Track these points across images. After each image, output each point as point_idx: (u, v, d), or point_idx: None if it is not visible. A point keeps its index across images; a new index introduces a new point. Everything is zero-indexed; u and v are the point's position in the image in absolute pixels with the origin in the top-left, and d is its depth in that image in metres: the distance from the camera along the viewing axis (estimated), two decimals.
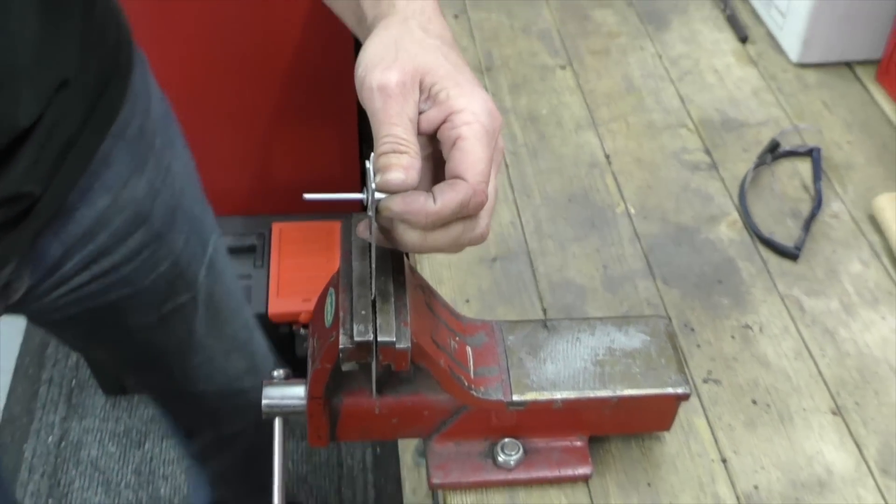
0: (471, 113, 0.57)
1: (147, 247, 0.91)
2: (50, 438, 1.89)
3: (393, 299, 0.61)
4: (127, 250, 0.89)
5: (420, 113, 0.58)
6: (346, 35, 1.72)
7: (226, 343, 1.11)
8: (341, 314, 0.61)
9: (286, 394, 0.70)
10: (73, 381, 1.99)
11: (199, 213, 1.00)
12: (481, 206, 0.56)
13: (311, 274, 1.88)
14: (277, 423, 0.70)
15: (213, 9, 1.67)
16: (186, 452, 1.40)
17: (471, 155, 0.56)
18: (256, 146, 1.95)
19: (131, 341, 1.02)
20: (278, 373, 0.71)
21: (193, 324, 1.04)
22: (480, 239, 0.60)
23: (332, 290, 0.65)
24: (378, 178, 0.56)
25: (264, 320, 1.77)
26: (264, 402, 0.70)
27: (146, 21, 1.67)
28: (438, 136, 0.58)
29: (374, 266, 0.63)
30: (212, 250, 1.03)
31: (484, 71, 1.10)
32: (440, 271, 0.87)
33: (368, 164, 0.57)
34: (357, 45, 1.75)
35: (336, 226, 1.97)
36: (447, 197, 0.55)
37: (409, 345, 0.60)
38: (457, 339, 0.69)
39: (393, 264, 0.64)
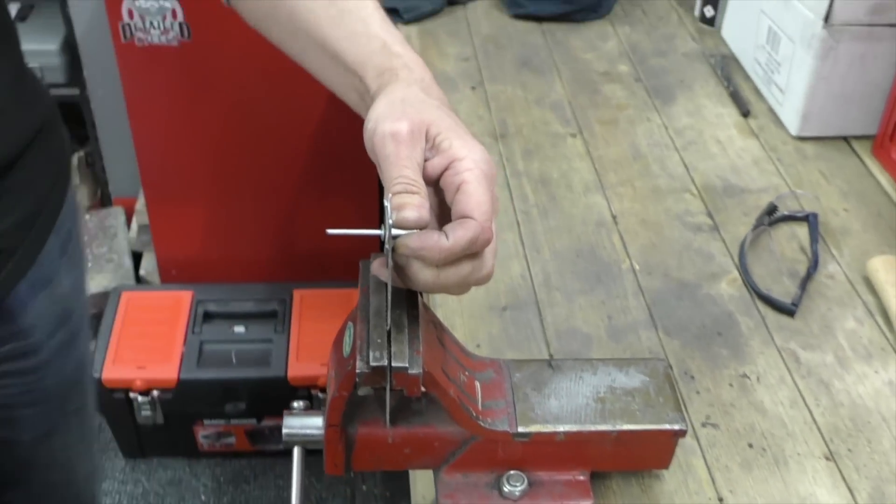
0: (472, 160, 0.63)
1: (66, 346, 0.94)
2: None
3: (407, 330, 0.66)
4: (49, 350, 0.91)
5: (425, 160, 0.64)
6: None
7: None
8: (358, 342, 0.66)
9: (305, 423, 0.74)
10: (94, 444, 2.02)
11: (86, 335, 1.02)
12: (488, 242, 0.61)
13: (331, 339, 1.92)
14: (297, 451, 0.74)
15: (241, 86, 1.75)
16: None
17: (475, 196, 0.61)
18: (280, 217, 2.02)
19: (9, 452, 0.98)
20: (298, 404, 0.75)
21: (70, 440, 1.04)
22: (486, 278, 0.65)
23: (350, 323, 0.70)
24: (394, 216, 0.61)
25: (284, 383, 1.81)
26: (285, 430, 0.74)
27: (178, 95, 1.77)
28: (441, 182, 0.64)
29: (389, 300, 0.68)
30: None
31: (498, 137, 1.17)
32: (452, 318, 0.91)
33: (386, 203, 0.63)
34: None
35: (356, 293, 2.02)
36: (458, 234, 0.61)
37: (421, 371, 0.64)
38: (466, 373, 0.73)
39: (407, 300, 0.69)
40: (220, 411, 1.88)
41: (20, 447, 0.96)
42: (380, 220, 2.04)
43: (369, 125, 0.64)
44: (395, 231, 0.62)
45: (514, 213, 1.05)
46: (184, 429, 1.92)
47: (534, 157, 1.14)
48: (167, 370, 1.81)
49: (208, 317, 1.90)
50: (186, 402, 1.85)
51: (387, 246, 0.63)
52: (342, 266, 2.08)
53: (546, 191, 1.09)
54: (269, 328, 1.92)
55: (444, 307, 0.93)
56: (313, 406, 1.60)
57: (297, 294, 1.99)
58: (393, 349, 0.65)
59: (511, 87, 1.27)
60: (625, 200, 1.07)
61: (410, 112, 0.63)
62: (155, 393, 1.82)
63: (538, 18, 1.42)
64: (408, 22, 1.39)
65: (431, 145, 0.63)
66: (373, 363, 0.64)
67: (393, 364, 0.64)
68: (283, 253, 2.09)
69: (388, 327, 0.66)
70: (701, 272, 0.98)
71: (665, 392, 0.75)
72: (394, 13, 1.38)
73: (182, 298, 1.92)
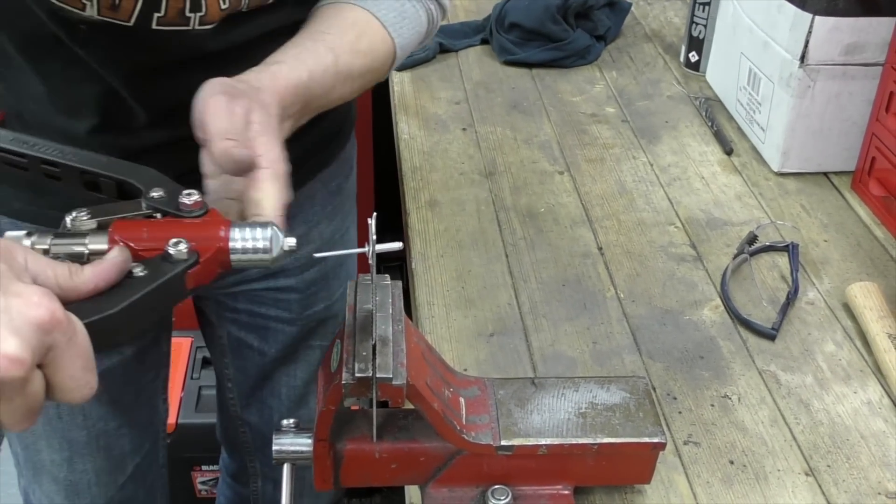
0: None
1: (315, 284, 1.06)
2: None
3: (392, 345, 0.69)
4: (301, 281, 1.05)
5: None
6: (368, 145, 1.85)
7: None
8: (345, 356, 0.68)
9: (296, 441, 0.76)
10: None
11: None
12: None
13: None
14: (286, 469, 0.76)
15: None
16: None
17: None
18: None
19: (253, 355, 1.13)
20: (288, 422, 0.77)
21: (309, 374, 1.14)
22: None
23: (338, 340, 0.73)
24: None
25: None
26: (275, 448, 0.76)
27: None
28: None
29: (375, 317, 0.71)
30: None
31: (487, 175, 1.21)
32: (440, 344, 0.94)
33: (370, 221, 0.66)
34: (378, 159, 1.87)
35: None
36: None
37: (405, 382, 0.67)
38: (451, 389, 0.76)
39: (393, 317, 0.71)
40: (219, 457, 1.88)
41: (266, 359, 1.12)
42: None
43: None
44: (378, 247, 0.66)
45: (502, 246, 1.08)
46: (181, 475, 1.92)
47: (522, 193, 1.17)
48: None
49: (207, 362, 1.92)
50: (184, 447, 1.85)
51: (370, 261, 0.66)
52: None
53: (533, 224, 1.12)
54: None
55: (433, 333, 0.95)
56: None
57: None
58: (378, 361, 0.67)
59: (501, 129, 1.31)
60: (610, 233, 1.11)
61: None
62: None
63: (528, 64, 1.47)
64: (401, 69, 1.44)
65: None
66: (358, 374, 0.66)
67: (378, 375, 0.66)
68: None
69: (373, 341, 0.69)
70: (684, 300, 1.00)
71: (645, 407, 0.77)
72: None
73: (181, 344, 1.94)
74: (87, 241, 0.59)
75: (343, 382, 0.67)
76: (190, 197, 0.62)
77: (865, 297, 0.97)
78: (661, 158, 1.25)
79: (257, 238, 0.61)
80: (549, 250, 1.08)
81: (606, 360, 0.92)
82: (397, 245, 0.67)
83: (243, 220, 0.65)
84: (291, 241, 0.63)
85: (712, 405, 0.87)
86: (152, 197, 0.63)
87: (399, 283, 0.75)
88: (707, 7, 1.41)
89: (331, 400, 0.70)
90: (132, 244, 0.60)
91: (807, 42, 1.12)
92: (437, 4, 0.89)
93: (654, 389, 0.89)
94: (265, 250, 0.62)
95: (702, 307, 0.99)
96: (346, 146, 1.06)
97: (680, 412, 0.87)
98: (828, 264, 1.06)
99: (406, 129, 1.31)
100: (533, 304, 0.99)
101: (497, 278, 1.03)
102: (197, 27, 0.78)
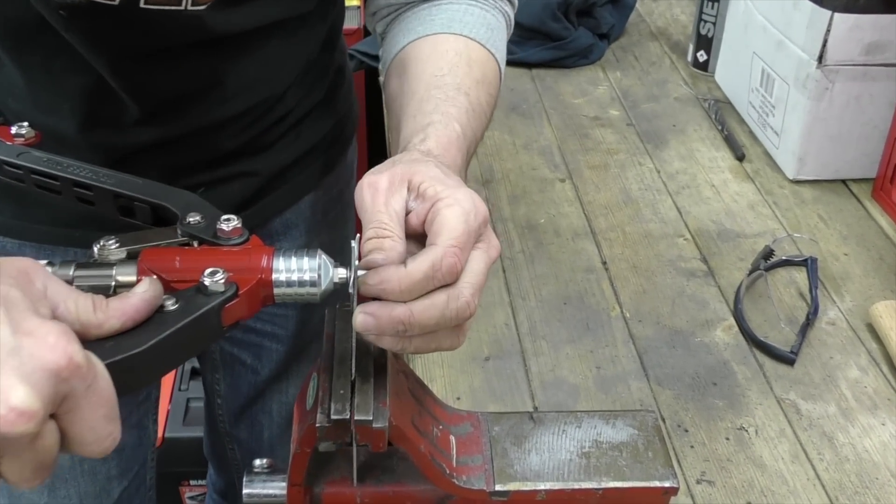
0: (453, 199, 0.59)
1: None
2: None
3: (373, 380, 0.61)
4: None
5: (409, 212, 0.60)
6: (361, 152, 1.78)
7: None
8: (320, 394, 0.61)
9: (268, 484, 0.69)
10: None
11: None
12: (454, 267, 0.57)
13: None
14: None
15: None
16: None
17: (445, 225, 0.57)
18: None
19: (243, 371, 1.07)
20: (261, 462, 0.70)
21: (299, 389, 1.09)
22: (466, 308, 0.60)
23: (315, 374, 0.65)
24: (363, 261, 0.57)
25: None
26: (245, 491, 0.69)
27: None
28: (425, 226, 0.59)
29: (354, 348, 0.63)
30: None
31: (484, 183, 1.13)
32: (432, 370, 0.86)
33: (353, 244, 0.59)
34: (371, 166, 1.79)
35: None
36: (418, 259, 0.56)
37: (387, 424, 0.59)
38: (440, 427, 0.68)
39: (375, 348, 0.64)
40: (207, 472, 1.82)
41: (259, 378, 1.05)
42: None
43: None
44: (360, 272, 0.59)
45: (499, 260, 1.01)
46: (169, 490, 1.86)
47: (520, 203, 1.10)
48: None
49: (196, 373, 1.85)
50: (171, 462, 1.78)
51: (351, 290, 0.58)
52: None
53: (532, 236, 1.05)
54: None
55: (424, 358, 0.88)
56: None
57: None
58: (356, 400, 0.60)
59: (499, 133, 1.24)
60: (615, 246, 1.03)
61: (395, 166, 0.60)
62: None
63: (528, 64, 1.40)
64: None
65: (416, 195, 0.60)
66: (334, 416, 0.59)
67: (356, 417, 0.59)
68: None
69: (352, 377, 0.62)
70: (694, 319, 0.93)
71: (654, 446, 0.70)
72: (377, 61, 1.35)
73: None
74: (114, 271, 0.54)
75: (317, 425, 0.59)
76: (229, 223, 0.57)
77: (891, 317, 0.90)
78: (669, 164, 1.18)
79: (304, 269, 0.56)
80: (549, 265, 1.00)
81: (611, 386, 0.85)
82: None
83: None
84: (342, 273, 0.57)
85: (727, 438, 0.80)
86: (188, 223, 0.58)
87: None
88: (716, 4, 1.33)
89: (305, 442, 0.63)
90: (164, 275, 0.54)
91: (825, 41, 1.05)
92: (508, 3, 0.83)
93: (663, 421, 0.82)
94: (312, 283, 0.56)
95: (714, 328, 0.92)
96: (349, 151, 1.00)
97: (692, 446, 0.79)
98: (849, 280, 0.98)
99: None
100: (532, 324, 0.92)
101: (493, 296, 0.96)
102: (189, 7, 0.71)
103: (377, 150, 1.63)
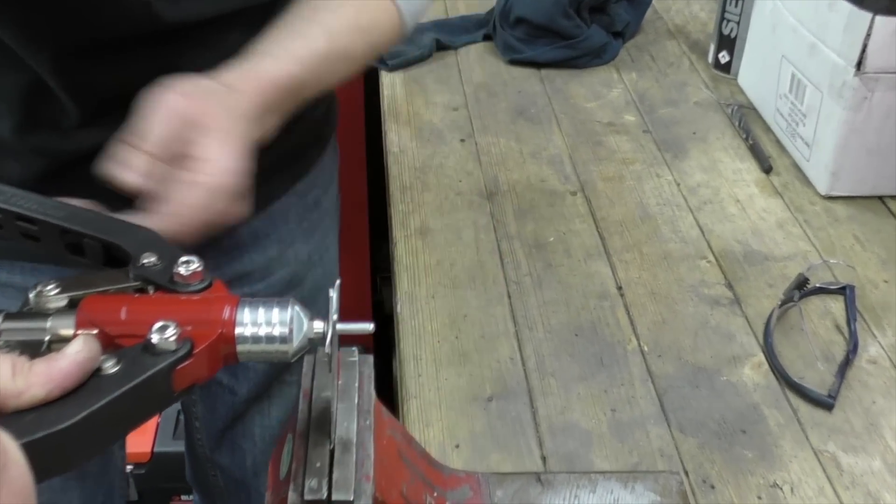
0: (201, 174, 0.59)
1: None
2: None
3: (355, 448, 0.53)
4: None
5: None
6: (359, 158, 1.69)
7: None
8: (294, 465, 0.52)
9: None
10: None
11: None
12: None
13: None
14: None
15: None
16: None
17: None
18: None
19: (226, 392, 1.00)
20: None
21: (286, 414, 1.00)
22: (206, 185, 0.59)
23: (290, 435, 0.57)
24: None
25: None
26: None
27: None
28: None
29: (336, 408, 0.54)
30: None
31: (488, 196, 1.04)
32: (429, 412, 0.78)
33: (332, 293, 0.50)
34: (370, 175, 1.70)
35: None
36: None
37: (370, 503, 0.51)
38: (434, 494, 0.59)
39: (359, 405, 0.55)
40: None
41: (237, 398, 0.98)
42: (372, 281, 1.90)
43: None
44: (342, 327, 0.50)
45: (504, 284, 0.92)
46: None
47: (528, 218, 1.01)
48: (140, 443, 1.68)
49: None
50: (161, 477, 1.71)
51: (328, 347, 0.50)
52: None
53: (541, 257, 0.95)
54: None
55: (421, 398, 0.79)
56: None
57: None
58: (335, 476, 0.51)
59: (504, 140, 1.15)
60: (631, 268, 0.94)
61: (200, 99, 0.60)
62: (128, 468, 1.68)
63: (536, 64, 1.30)
64: (393, 69, 1.28)
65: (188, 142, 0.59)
66: (308, 496, 0.50)
67: (334, 496, 0.50)
68: None
69: (331, 445, 0.53)
70: (720, 355, 0.84)
71: None
72: (378, 59, 1.26)
73: None
74: (48, 324, 0.47)
75: None
76: (188, 266, 0.49)
77: None
78: (689, 177, 1.08)
79: (273, 322, 0.48)
80: (559, 290, 0.91)
81: (628, 433, 0.76)
82: (367, 326, 0.51)
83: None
84: (318, 327, 0.50)
85: (759, 497, 0.71)
86: (142, 265, 0.50)
87: (370, 360, 0.59)
88: (740, 2, 1.24)
89: None
90: (107, 329, 0.47)
91: (864, 46, 0.95)
92: None
93: (686, 475, 0.73)
94: (283, 339, 0.48)
95: (742, 365, 0.83)
96: (325, 155, 0.92)
97: None
98: (890, 311, 0.89)
99: (396, 141, 1.14)
100: (539, 358, 0.83)
101: (497, 325, 0.87)
102: None
103: (376, 157, 1.53)
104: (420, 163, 1.10)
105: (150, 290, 0.51)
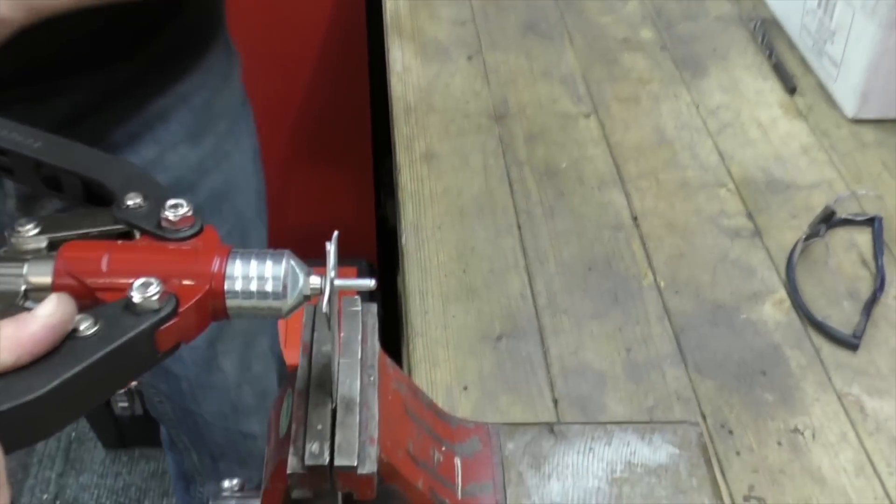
0: None
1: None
2: (45, 496, 1.77)
3: (359, 408, 0.49)
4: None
5: None
6: (362, 76, 1.63)
7: (240, 370, 1.03)
8: (294, 426, 0.49)
9: None
10: (73, 434, 1.88)
11: (250, 217, 0.97)
12: None
13: None
14: None
15: None
16: None
17: None
18: (270, 190, 1.85)
19: None
20: (230, 483, 0.59)
21: (212, 332, 0.96)
22: None
23: (290, 390, 0.53)
24: None
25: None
26: None
27: None
28: None
29: (338, 363, 0.51)
30: None
31: (497, 119, 0.99)
32: (436, 351, 0.75)
33: (329, 246, 0.46)
34: (373, 90, 1.63)
35: (351, 272, 1.87)
36: None
37: (375, 469, 0.48)
38: (442, 448, 0.57)
39: (363, 360, 0.52)
40: None
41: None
42: (376, 195, 1.86)
43: None
44: (340, 282, 0.46)
45: (514, 214, 0.88)
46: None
47: (538, 143, 0.96)
48: None
49: None
50: None
51: (326, 304, 0.46)
52: (337, 242, 1.93)
53: (553, 185, 0.91)
54: None
55: (427, 337, 0.76)
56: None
57: None
58: (338, 440, 0.48)
59: (514, 57, 1.09)
60: (647, 198, 0.90)
61: None
62: (132, 383, 1.68)
63: None
64: None
65: None
66: (309, 462, 0.47)
67: (336, 462, 0.47)
68: (274, 228, 1.93)
69: (333, 405, 0.50)
70: (740, 291, 0.80)
71: (699, 471, 0.58)
72: None
73: None
74: (25, 270, 0.43)
75: (289, 472, 0.48)
76: (176, 211, 0.46)
77: None
78: (709, 98, 1.03)
79: (265, 276, 0.44)
80: (571, 220, 0.87)
81: (643, 374, 0.73)
82: (368, 283, 0.47)
83: None
84: (315, 282, 0.46)
85: (779, 443, 0.68)
86: (127, 207, 0.47)
87: (373, 309, 0.56)
88: None
89: (277, 477, 0.51)
90: (87, 280, 0.43)
91: None
92: None
93: (703, 419, 0.70)
94: (276, 294, 0.44)
95: (762, 301, 0.79)
96: (211, 56, 0.88)
97: (738, 452, 0.68)
98: None
99: (399, 58, 1.08)
100: (551, 294, 0.80)
101: (507, 259, 0.83)
102: None
103: (379, 78, 1.47)
104: (425, 83, 1.04)
105: (136, 234, 0.47)
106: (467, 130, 0.97)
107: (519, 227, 0.86)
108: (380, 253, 1.94)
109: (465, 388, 0.72)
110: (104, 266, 0.44)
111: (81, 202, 0.51)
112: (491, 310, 0.78)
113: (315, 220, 1.90)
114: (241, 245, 0.98)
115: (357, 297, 0.56)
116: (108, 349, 0.40)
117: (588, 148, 0.96)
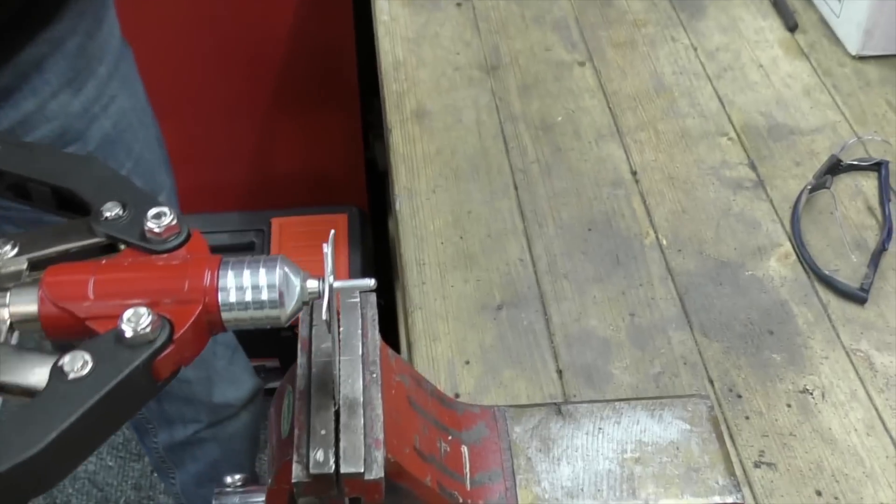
0: None
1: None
2: None
3: (362, 409, 0.48)
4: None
5: None
6: (346, 18, 1.58)
7: None
8: (296, 431, 0.48)
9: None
10: None
11: (149, 159, 0.95)
12: None
13: (315, 272, 1.76)
14: None
15: None
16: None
17: None
18: (253, 137, 1.82)
19: None
20: (233, 478, 0.58)
21: None
22: None
23: (289, 388, 0.52)
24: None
25: None
26: None
27: (137, 9, 1.54)
28: None
29: (340, 361, 0.49)
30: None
31: (490, 70, 0.96)
32: (435, 324, 0.73)
33: (326, 248, 0.44)
34: (358, 27, 1.57)
35: (341, 219, 1.84)
36: None
37: (382, 474, 0.46)
38: (449, 438, 0.55)
39: (364, 356, 0.50)
40: None
41: None
42: (364, 139, 1.82)
43: None
44: (339, 284, 0.44)
45: (510, 174, 0.85)
46: None
47: (533, 95, 0.93)
48: None
49: None
50: None
51: (325, 309, 0.44)
52: (324, 189, 1.90)
53: (549, 140, 0.88)
54: None
55: (426, 309, 0.74)
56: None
57: (276, 223, 1.82)
58: (343, 444, 0.47)
59: (504, 2, 1.04)
60: (646, 150, 0.87)
61: None
62: None
63: None
64: None
65: None
66: (314, 470, 0.46)
67: (342, 469, 0.46)
68: (259, 177, 1.91)
69: (336, 406, 0.48)
70: (744, 246, 0.78)
71: (711, 447, 0.57)
72: None
73: None
74: (7, 299, 0.41)
75: (294, 481, 0.46)
76: (160, 220, 0.44)
77: None
78: (708, 40, 0.99)
79: (260, 285, 0.42)
80: (569, 178, 0.85)
81: (648, 339, 0.72)
82: (368, 282, 0.45)
83: None
84: (313, 286, 0.44)
85: (788, 405, 0.67)
86: (106, 218, 0.45)
87: (373, 300, 0.54)
88: None
89: (282, 479, 0.50)
90: (73, 308, 0.41)
91: None
92: None
93: (711, 383, 0.69)
94: (273, 303, 0.43)
95: (768, 256, 0.78)
96: (78, 1, 0.84)
97: (747, 417, 0.67)
98: None
99: (386, 7, 1.04)
100: (551, 258, 0.78)
101: (505, 221, 0.81)
102: None
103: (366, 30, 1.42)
104: (413, 33, 1.01)
105: (121, 246, 0.45)
106: (459, 84, 0.94)
107: (516, 188, 0.84)
108: (370, 198, 1.91)
109: (467, 363, 0.70)
110: (91, 292, 0.42)
111: (54, 210, 0.49)
112: (490, 277, 0.76)
113: (301, 166, 1.87)
114: (149, 188, 0.95)
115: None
116: (105, 390, 0.38)
117: (584, 98, 0.93)
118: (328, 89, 1.76)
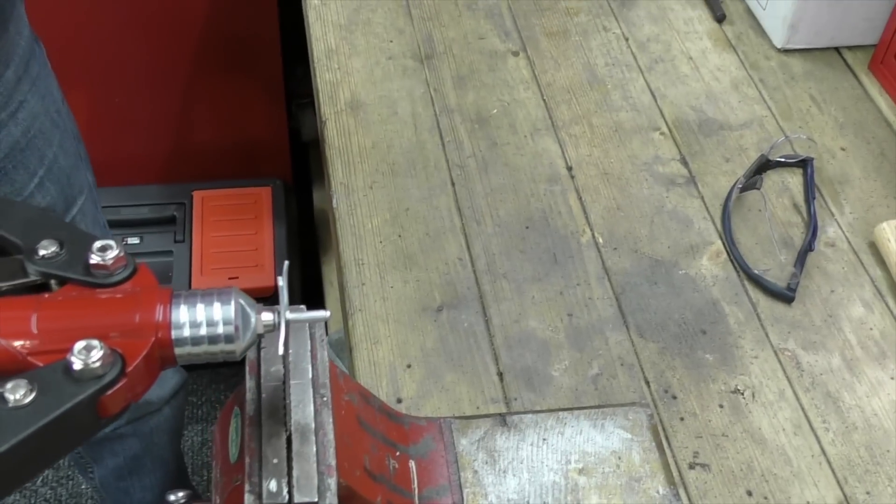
0: None
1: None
2: None
3: (314, 435, 0.48)
4: None
5: None
6: (270, 31, 1.55)
7: None
8: (247, 459, 0.47)
9: None
10: None
11: (64, 164, 0.89)
12: None
13: (239, 247, 1.73)
14: None
15: None
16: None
17: None
18: (173, 106, 1.76)
19: None
20: (176, 496, 0.57)
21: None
22: None
23: (237, 409, 0.51)
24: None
25: None
26: None
27: None
28: None
29: (290, 385, 0.49)
30: (77, 211, 0.92)
31: (424, 60, 0.95)
32: (376, 326, 0.73)
33: (280, 280, 0.44)
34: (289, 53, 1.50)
35: (265, 192, 1.81)
36: None
37: (336, 501, 0.46)
38: (397, 454, 0.56)
39: (314, 378, 0.50)
40: None
41: None
42: (287, 107, 1.78)
43: None
44: (291, 316, 0.44)
45: (446, 169, 0.85)
46: None
47: (468, 86, 0.92)
48: None
49: None
50: None
51: (281, 340, 0.43)
52: (247, 161, 1.86)
53: (485, 134, 0.88)
54: (167, 238, 1.72)
55: (366, 311, 0.74)
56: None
57: (198, 196, 1.79)
58: (295, 473, 0.46)
59: None
60: (581, 145, 0.88)
61: None
62: None
63: None
64: None
65: None
66: (267, 501, 0.45)
67: (296, 500, 0.46)
68: (179, 148, 1.85)
69: (287, 432, 0.48)
70: (678, 244, 0.80)
71: (651, 457, 0.59)
72: None
73: None
74: None
75: None
76: (106, 254, 0.42)
77: None
78: (638, 29, 1.00)
79: (215, 319, 0.41)
80: (505, 173, 0.85)
81: (587, 340, 0.73)
82: (324, 314, 0.45)
83: None
84: (268, 318, 0.43)
85: (721, 406, 0.70)
86: (41, 257, 0.43)
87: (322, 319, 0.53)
88: None
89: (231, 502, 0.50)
90: (17, 346, 0.39)
91: None
92: None
93: (647, 385, 0.70)
94: (228, 337, 0.42)
95: (700, 255, 0.79)
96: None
97: (682, 418, 0.69)
98: (847, 184, 0.86)
99: None
100: (490, 257, 0.78)
101: (443, 220, 0.81)
102: None
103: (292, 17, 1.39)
104: (345, 19, 0.99)
105: (53, 284, 0.43)
106: (393, 74, 0.93)
107: (453, 184, 0.84)
108: (294, 168, 1.88)
109: (409, 367, 0.70)
110: (34, 327, 0.40)
111: None
112: (430, 278, 0.76)
113: (223, 137, 1.82)
114: (64, 195, 0.91)
115: (303, 306, 0.53)
116: (44, 421, 0.37)
117: (519, 90, 0.92)
118: (250, 56, 1.70)
